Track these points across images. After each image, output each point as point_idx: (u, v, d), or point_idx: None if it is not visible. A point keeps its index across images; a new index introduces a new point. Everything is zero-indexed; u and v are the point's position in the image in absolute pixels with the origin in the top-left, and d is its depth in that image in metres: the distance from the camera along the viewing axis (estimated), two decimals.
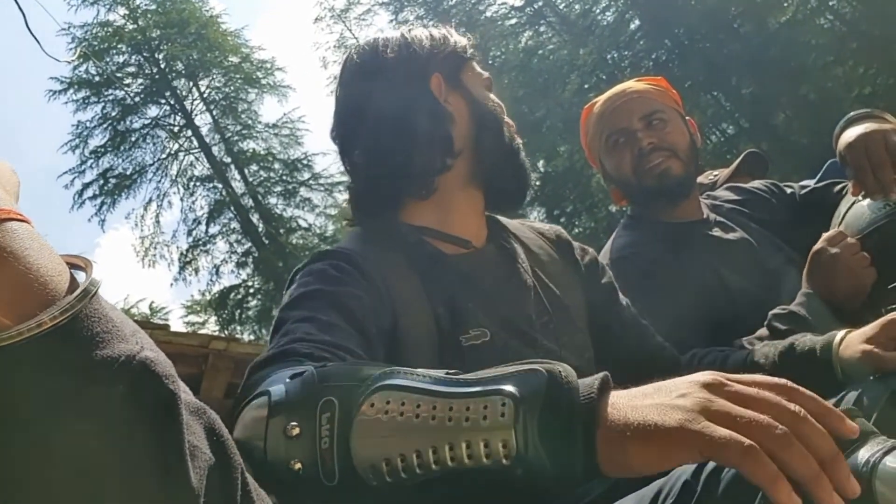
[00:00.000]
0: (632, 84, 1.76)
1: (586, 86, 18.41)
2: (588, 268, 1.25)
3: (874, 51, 13.87)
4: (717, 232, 1.66)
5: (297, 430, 0.63)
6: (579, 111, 1.87)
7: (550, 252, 1.22)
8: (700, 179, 2.85)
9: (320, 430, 0.62)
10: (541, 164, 19.52)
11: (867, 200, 1.39)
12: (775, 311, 1.38)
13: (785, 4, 15.74)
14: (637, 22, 18.32)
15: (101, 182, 20.39)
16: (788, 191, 1.80)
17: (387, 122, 1.11)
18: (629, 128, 1.66)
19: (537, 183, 18.12)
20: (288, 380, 0.69)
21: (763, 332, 1.37)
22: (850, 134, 1.42)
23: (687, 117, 1.76)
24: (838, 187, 1.67)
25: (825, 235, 1.39)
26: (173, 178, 21.01)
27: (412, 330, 0.97)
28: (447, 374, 0.64)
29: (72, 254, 0.59)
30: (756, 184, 1.87)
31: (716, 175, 2.86)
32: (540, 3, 21.09)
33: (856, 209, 1.42)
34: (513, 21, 22.05)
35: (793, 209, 1.75)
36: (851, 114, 1.51)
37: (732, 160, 2.85)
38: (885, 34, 13.42)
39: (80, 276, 0.57)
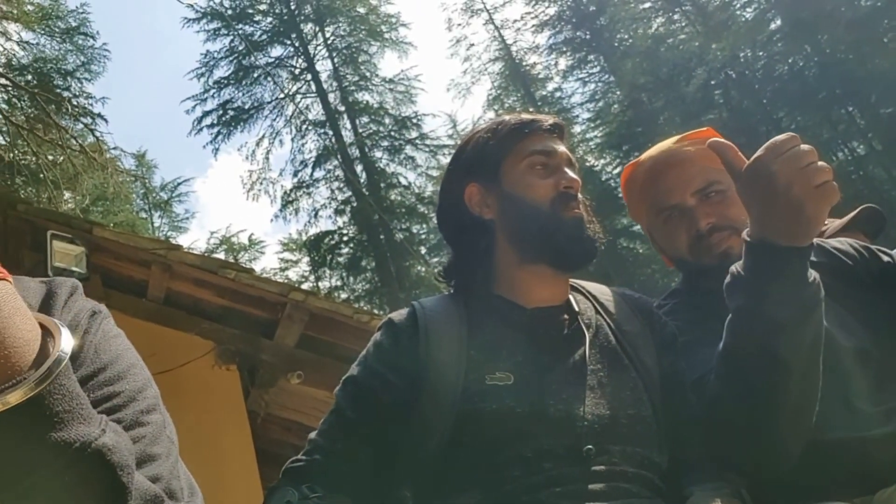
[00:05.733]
0: (680, 147, 1.51)
1: (713, 82, 17.64)
2: (664, 338, 1.30)
3: None
4: None
5: None
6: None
7: (632, 318, 1.31)
8: None
9: None
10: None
11: None
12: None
13: None
14: (778, 22, 17.33)
15: (220, 112, 21.34)
16: (885, 259, 1.44)
17: (441, 228, 1.41)
18: (682, 204, 1.44)
19: None
20: None
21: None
22: None
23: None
24: None
25: (769, 143, 1.06)
26: (287, 118, 21.70)
27: (441, 369, 1.16)
28: None
29: (41, 315, 0.56)
30: (842, 243, 1.52)
31: (826, 224, 2.57)
32: None
33: None
34: (647, 5, 21.31)
35: (884, 281, 1.41)
36: None
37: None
38: None
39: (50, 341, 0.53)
